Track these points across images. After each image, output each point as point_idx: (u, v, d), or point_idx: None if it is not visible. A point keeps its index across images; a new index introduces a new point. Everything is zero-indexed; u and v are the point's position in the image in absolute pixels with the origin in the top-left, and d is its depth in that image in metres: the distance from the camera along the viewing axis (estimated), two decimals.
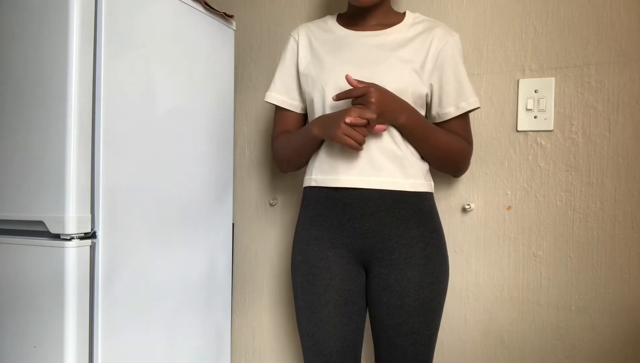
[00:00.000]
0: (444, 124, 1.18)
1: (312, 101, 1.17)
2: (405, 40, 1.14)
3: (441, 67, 1.14)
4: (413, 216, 1.10)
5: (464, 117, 1.18)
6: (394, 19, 1.18)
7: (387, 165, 1.09)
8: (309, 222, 1.16)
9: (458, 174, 1.26)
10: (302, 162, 1.23)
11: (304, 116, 1.28)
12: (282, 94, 1.24)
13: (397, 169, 1.09)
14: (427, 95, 1.16)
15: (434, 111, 1.18)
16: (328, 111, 1.13)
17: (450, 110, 1.16)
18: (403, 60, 1.11)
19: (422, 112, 1.16)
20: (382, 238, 1.09)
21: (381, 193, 1.09)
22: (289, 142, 1.21)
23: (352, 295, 1.12)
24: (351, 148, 1.03)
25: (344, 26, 1.20)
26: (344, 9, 1.25)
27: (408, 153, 1.11)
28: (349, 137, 1.02)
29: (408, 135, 1.11)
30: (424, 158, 1.16)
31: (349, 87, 1.09)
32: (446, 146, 1.14)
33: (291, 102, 1.24)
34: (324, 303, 1.11)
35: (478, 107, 1.17)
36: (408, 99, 1.10)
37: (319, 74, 1.15)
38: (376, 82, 1.08)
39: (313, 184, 1.15)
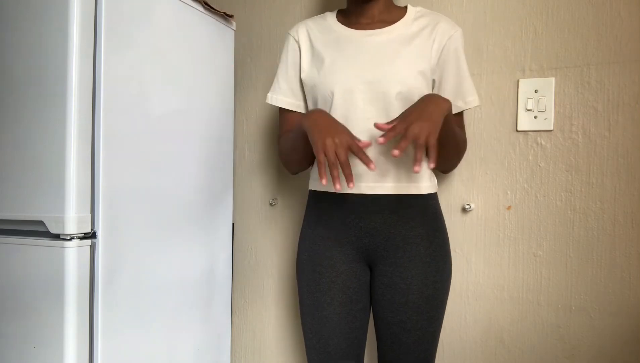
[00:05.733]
0: None
1: (315, 103, 1.16)
2: (409, 36, 1.12)
3: (443, 64, 1.13)
4: (417, 215, 1.10)
5: (461, 113, 1.18)
6: (395, 15, 1.16)
7: (392, 170, 1.09)
8: (314, 221, 1.16)
9: (448, 171, 1.25)
10: (300, 159, 1.18)
11: None
12: (288, 96, 1.22)
13: (402, 173, 1.09)
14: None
15: None
16: (334, 114, 1.11)
17: None
18: (408, 61, 1.09)
19: None
20: (387, 236, 1.09)
21: (387, 195, 1.09)
22: (287, 140, 1.18)
23: (356, 293, 1.12)
24: (323, 162, 0.96)
25: (345, 24, 1.17)
26: (343, 6, 1.23)
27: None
28: (331, 155, 0.95)
29: (446, 132, 1.04)
30: (441, 156, 1.13)
31: (355, 89, 1.09)
32: (459, 138, 1.14)
33: (298, 103, 1.22)
34: (328, 301, 1.11)
35: (476, 105, 1.17)
36: (414, 99, 1.09)
37: (324, 77, 1.12)
38: (382, 84, 1.07)
39: (318, 188, 1.15)
